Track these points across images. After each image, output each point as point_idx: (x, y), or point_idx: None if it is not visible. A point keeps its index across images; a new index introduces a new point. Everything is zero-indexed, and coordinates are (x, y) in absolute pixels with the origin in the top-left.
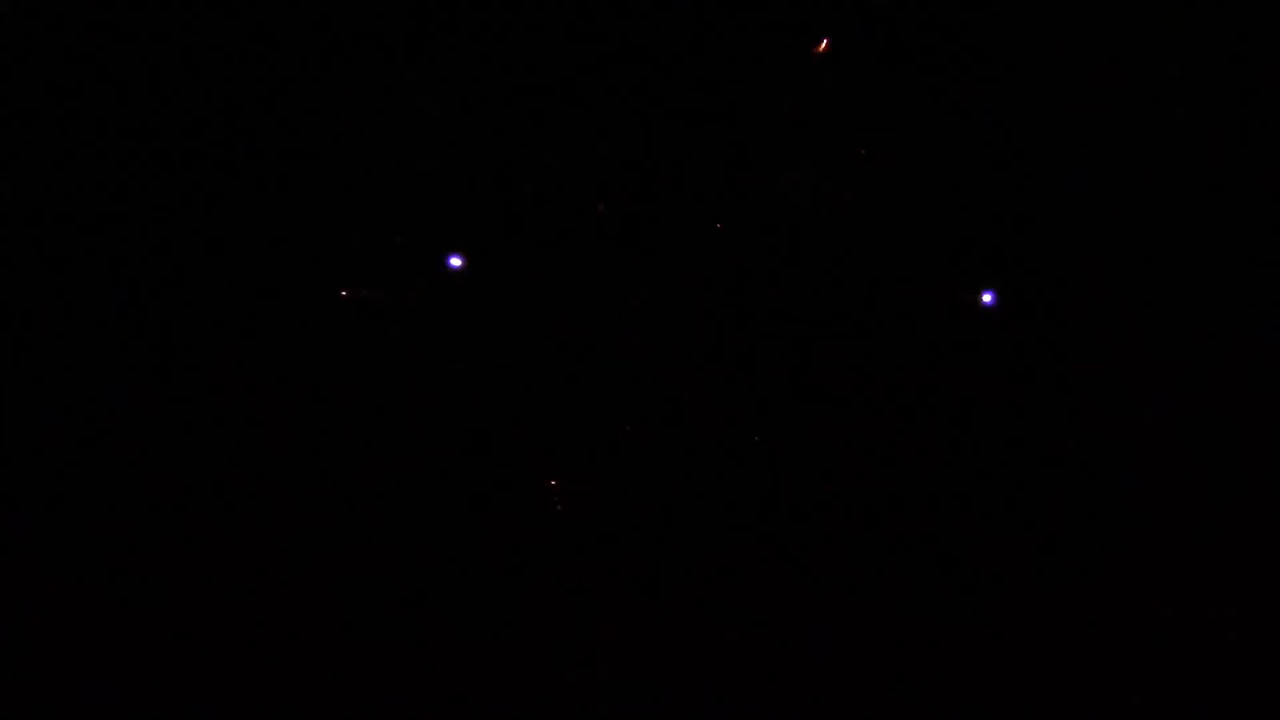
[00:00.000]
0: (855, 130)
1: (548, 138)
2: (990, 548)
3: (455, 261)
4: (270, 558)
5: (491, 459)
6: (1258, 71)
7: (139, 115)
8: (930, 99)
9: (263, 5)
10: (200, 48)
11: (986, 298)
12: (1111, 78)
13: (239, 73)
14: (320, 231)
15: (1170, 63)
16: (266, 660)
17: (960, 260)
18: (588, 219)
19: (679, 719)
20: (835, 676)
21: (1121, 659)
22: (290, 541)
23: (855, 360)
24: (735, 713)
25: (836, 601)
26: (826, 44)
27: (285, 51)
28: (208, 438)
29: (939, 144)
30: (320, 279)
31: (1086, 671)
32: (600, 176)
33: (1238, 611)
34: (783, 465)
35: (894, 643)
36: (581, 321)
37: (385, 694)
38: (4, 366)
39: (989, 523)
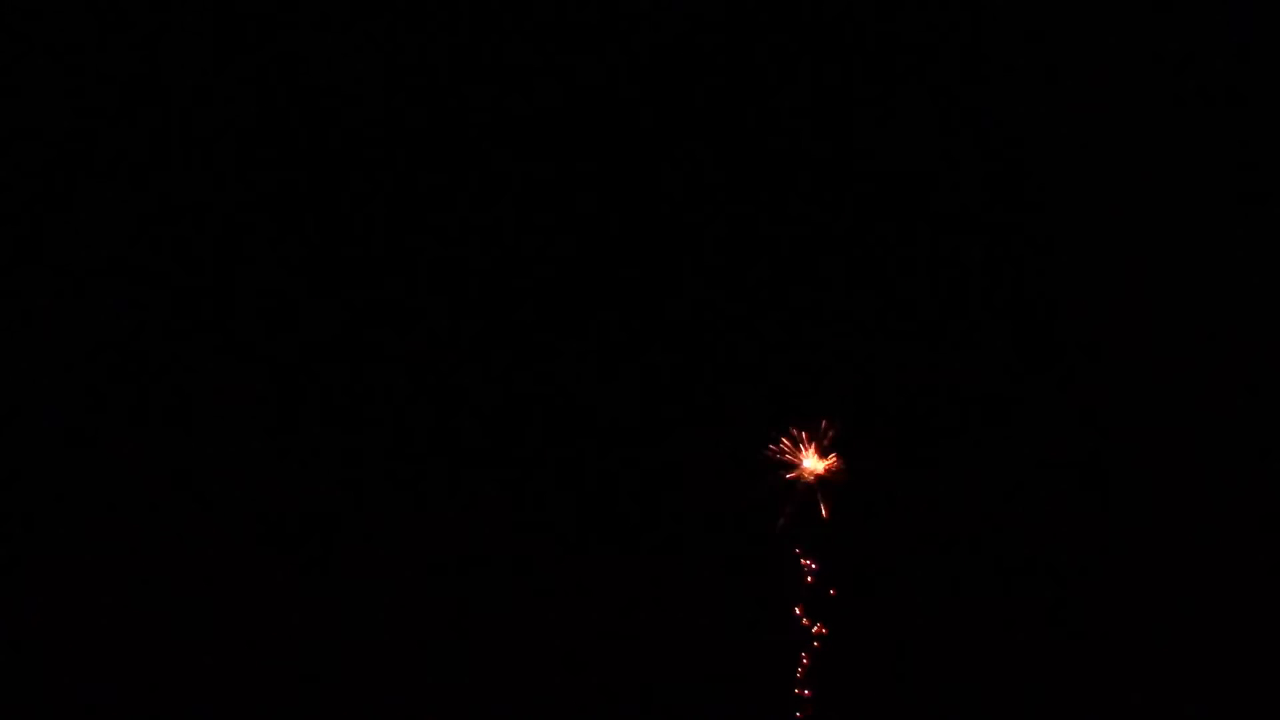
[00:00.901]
0: (855, 131)
1: (547, 138)
2: (991, 548)
3: None
4: (270, 558)
5: (491, 459)
6: (1258, 71)
7: (138, 115)
8: (930, 99)
9: (263, 5)
10: (200, 48)
11: None
12: (1111, 78)
13: (240, 73)
14: (320, 231)
15: (1170, 63)
16: (266, 660)
17: (960, 259)
18: (587, 219)
19: (679, 719)
20: (836, 676)
21: (1121, 659)
22: (290, 541)
23: (857, 361)
24: (736, 713)
25: (838, 602)
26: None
27: (285, 51)
28: (208, 438)
29: (939, 144)
30: (320, 279)
31: (1087, 671)
32: (600, 176)
33: (1238, 611)
34: (783, 465)
35: (894, 642)
36: (582, 323)
37: (385, 694)
38: (4, 366)
39: (989, 523)
